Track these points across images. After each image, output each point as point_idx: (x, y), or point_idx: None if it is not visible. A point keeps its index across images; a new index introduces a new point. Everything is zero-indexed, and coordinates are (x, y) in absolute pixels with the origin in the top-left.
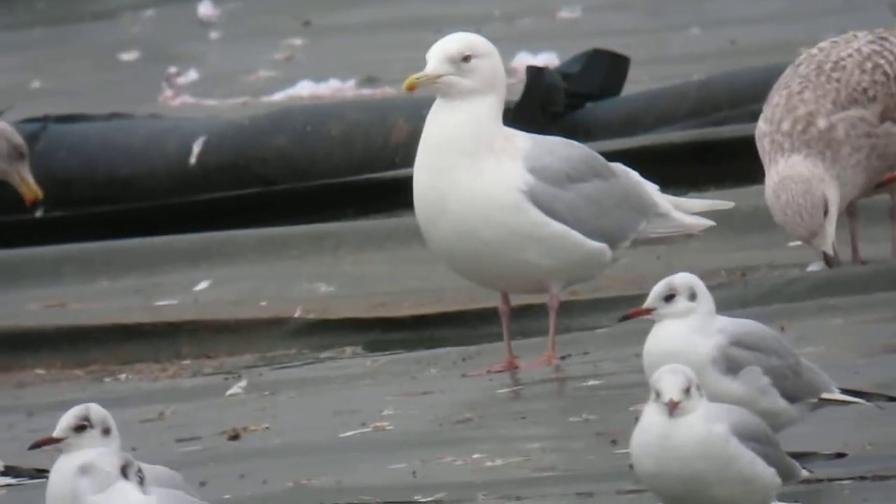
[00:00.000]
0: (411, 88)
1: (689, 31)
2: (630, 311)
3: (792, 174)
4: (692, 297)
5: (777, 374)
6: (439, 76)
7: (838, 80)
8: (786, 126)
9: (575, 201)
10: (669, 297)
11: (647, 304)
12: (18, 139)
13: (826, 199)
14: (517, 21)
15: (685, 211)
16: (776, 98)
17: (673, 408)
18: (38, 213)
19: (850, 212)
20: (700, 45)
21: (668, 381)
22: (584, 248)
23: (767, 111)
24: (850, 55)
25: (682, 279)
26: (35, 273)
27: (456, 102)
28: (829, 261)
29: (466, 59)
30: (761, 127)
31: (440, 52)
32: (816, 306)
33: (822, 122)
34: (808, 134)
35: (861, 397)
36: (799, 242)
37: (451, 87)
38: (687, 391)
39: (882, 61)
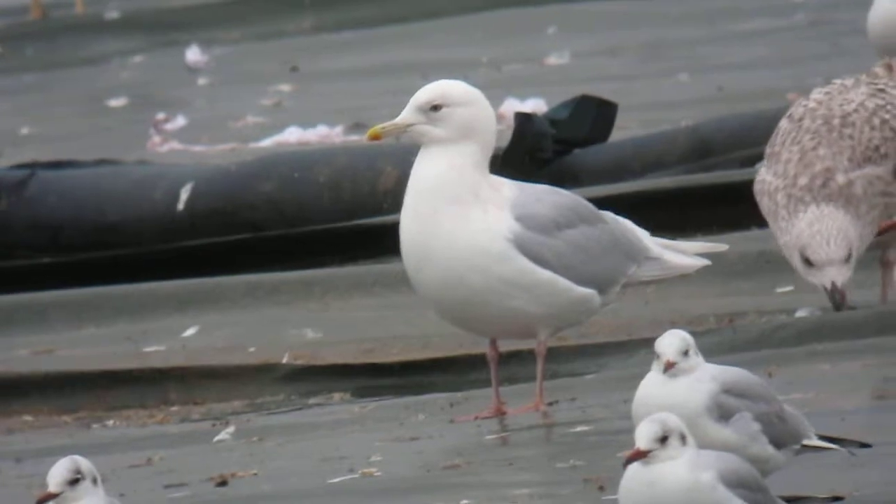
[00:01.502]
0: (375, 138)
1: (676, 78)
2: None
3: (828, 215)
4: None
5: (765, 420)
6: (408, 125)
7: (851, 137)
8: (803, 181)
9: (562, 248)
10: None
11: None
12: None
13: (853, 246)
14: (505, 67)
15: (678, 252)
16: (786, 154)
17: (637, 456)
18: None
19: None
20: (688, 92)
21: (641, 430)
22: (572, 294)
23: (777, 167)
24: (855, 110)
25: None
26: (23, 319)
27: (436, 150)
28: (835, 295)
29: (436, 108)
30: (770, 181)
31: (412, 101)
32: (804, 352)
33: (840, 178)
34: (829, 188)
35: (836, 444)
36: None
37: (423, 136)
38: (663, 440)
39: (888, 116)
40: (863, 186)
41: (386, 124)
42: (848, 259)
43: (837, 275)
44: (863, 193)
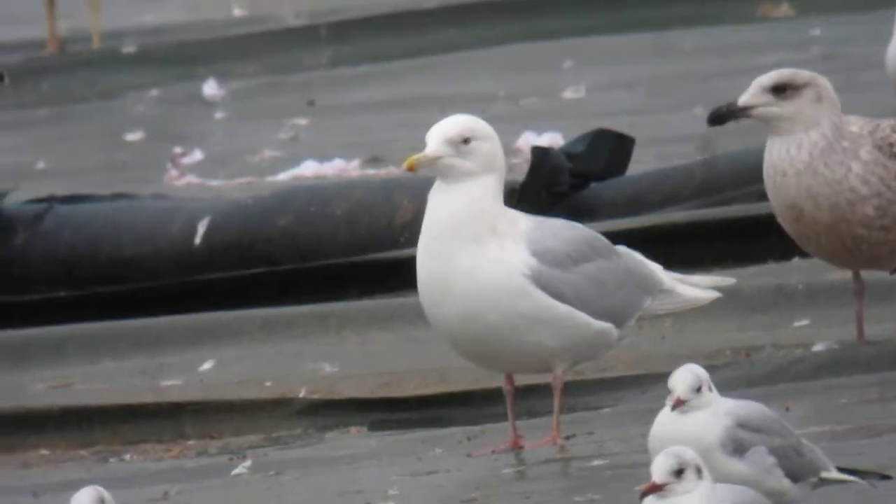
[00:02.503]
0: (411, 168)
1: (692, 111)
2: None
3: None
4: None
5: (781, 454)
6: (439, 157)
7: (876, 128)
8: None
9: (579, 282)
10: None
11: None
12: None
13: (809, 84)
14: (522, 101)
15: (689, 285)
16: None
17: (653, 490)
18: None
19: (856, 291)
20: (704, 125)
21: (657, 463)
22: (591, 328)
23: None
24: (885, 120)
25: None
26: (40, 353)
27: (456, 185)
28: (725, 107)
29: (466, 141)
30: None
31: (440, 133)
32: (821, 386)
33: (854, 127)
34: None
35: (856, 475)
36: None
37: (451, 169)
38: (679, 473)
39: None
40: (869, 151)
41: (420, 155)
42: (776, 91)
43: (748, 95)
44: (868, 155)
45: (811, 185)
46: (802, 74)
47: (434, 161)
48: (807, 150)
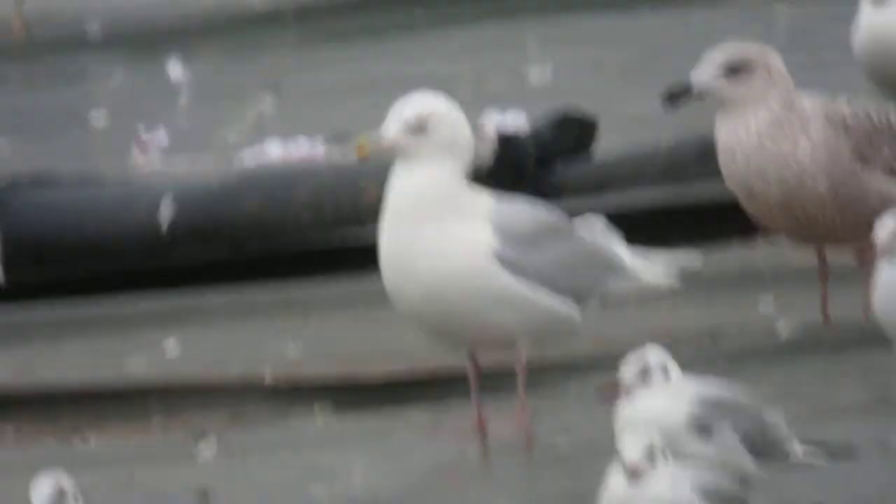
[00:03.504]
0: (364, 157)
1: (657, 92)
2: (605, 384)
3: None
4: (665, 372)
5: (748, 434)
6: (395, 144)
7: (830, 101)
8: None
9: (541, 261)
10: (644, 374)
11: (622, 379)
12: None
13: (761, 61)
14: (487, 81)
15: (652, 266)
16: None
17: (633, 470)
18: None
19: (821, 273)
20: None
21: (630, 444)
22: (553, 307)
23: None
24: (843, 98)
25: (656, 355)
26: (3, 335)
27: (417, 166)
28: (675, 93)
29: (423, 123)
30: None
31: (396, 117)
32: (785, 367)
33: (808, 102)
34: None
35: (821, 448)
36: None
37: (408, 153)
38: (650, 456)
39: (871, 111)
40: (821, 121)
41: (373, 141)
42: (730, 70)
43: (701, 74)
44: (821, 126)
45: (759, 161)
46: (753, 51)
47: (390, 148)
48: (754, 129)
